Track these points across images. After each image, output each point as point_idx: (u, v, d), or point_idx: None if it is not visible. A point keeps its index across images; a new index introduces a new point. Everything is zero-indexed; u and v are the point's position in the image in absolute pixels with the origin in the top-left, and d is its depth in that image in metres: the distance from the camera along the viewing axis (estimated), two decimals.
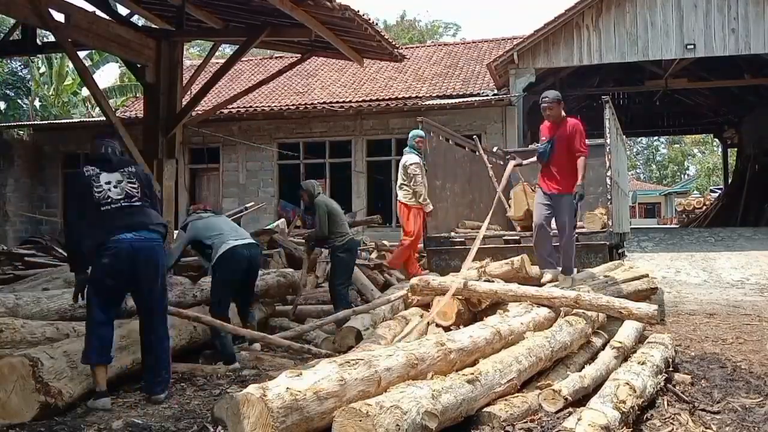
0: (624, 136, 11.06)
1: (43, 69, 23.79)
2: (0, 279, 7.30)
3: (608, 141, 7.34)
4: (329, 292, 6.44)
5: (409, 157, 7.75)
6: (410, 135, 7.98)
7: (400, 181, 7.92)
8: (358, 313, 5.43)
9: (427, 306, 4.98)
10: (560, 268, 5.70)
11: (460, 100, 14.88)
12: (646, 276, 6.10)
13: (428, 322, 4.53)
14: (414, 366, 2.97)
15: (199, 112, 11.53)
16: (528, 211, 7.37)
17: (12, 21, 10.54)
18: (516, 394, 3.15)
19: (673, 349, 4.24)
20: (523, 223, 7.63)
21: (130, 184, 3.86)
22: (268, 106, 16.32)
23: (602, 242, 7.02)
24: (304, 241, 7.58)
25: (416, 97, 15.82)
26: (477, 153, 9.29)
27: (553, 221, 5.81)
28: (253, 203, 13.10)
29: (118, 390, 3.92)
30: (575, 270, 6.15)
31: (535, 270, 5.85)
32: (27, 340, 3.90)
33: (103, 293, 3.72)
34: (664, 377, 3.60)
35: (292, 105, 16.16)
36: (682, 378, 3.89)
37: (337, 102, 16.08)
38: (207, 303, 5.15)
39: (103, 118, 9.45)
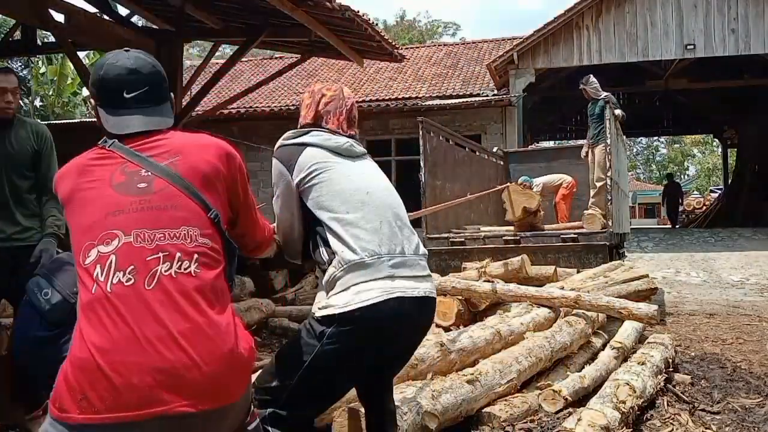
0: (624, 137, 11.05)
1: (43, 69, 23.78)
2: None
3: (608, 141, 7.35)
4: None
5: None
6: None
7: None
8: None
9: None
10: None
11: (460, 100, 14.87)
12: (646, 276, 6.09)
13: None
14: (414, 366, 2.97)
15: (199, 113, 11.52)
16: (525, 210, 7.35)
17: (12, 21, 10.55)
18: (516, 395, 3.15)
19: (673, 349, 4.24)
20: (522, 223, 7.60)
21: None
22: (268, 106, 16.28)
23: (602, 243, 7.01)
24: None
25: (416, 97, 15.79)
26: (477, 153, 9.27)
27: None
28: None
29: None
30: (575, 271, 6.14)
31: (535, 270, 5.85)
32: None
33: None
34: (664, 377, 3.60)
35: (292, 105, 16.10)
36: (682, 378, 3.88)
37: None
38: None
39: None
